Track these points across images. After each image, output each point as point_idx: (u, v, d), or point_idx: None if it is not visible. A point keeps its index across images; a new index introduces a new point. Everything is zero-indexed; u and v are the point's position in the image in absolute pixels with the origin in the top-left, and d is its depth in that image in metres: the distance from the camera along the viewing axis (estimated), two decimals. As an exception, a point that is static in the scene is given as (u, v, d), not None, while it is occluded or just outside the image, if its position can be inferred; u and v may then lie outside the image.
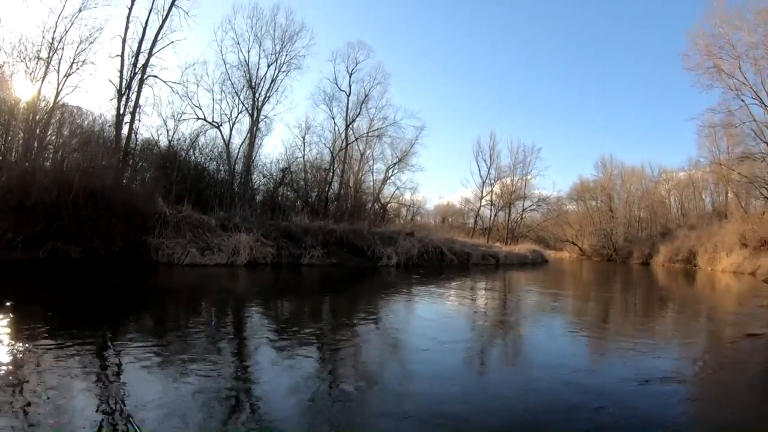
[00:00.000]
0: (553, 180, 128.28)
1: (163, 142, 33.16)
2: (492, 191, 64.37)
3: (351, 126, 41.94)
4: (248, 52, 35.70)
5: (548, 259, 52.38)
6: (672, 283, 31.05)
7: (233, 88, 35.30)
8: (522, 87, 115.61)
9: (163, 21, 30.09)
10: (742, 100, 28.61)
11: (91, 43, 28.20)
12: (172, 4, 30.13)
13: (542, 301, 18.01)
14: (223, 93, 35.25)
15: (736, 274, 39.19)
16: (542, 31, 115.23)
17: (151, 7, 29.86)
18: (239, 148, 35.48)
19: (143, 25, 29.62)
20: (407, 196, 51.65)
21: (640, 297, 22.32)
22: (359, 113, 42.26)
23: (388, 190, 48.38)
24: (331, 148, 40.90)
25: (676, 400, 6.01)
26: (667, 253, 56.29)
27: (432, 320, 11.68)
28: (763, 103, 28.09)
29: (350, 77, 41.96)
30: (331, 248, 27.54)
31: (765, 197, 34.92)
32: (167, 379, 5.78)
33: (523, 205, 67.95)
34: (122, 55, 29.07)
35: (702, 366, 8.22)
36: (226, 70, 35.30)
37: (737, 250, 45.39)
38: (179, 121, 33.44)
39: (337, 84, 41.84)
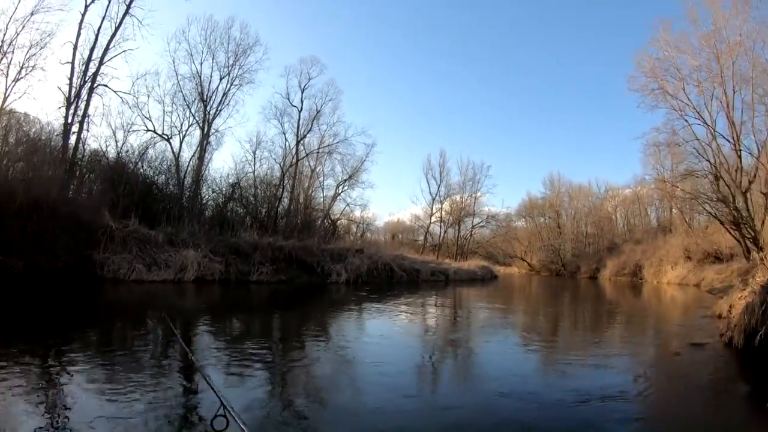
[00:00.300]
0: (502, 197, 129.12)
1: (112, 153, 32.49)
2: (442, 208, 64.92)
3: (302, 142, 42.08)
4: (201, 64, 35.41)
5: (497, 275, 53.01)
6: (619, 296, 31.81)
7: (184, 100, 34.85)
8: (472, 105, 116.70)
9: (116, 29, 29.71)
10: (686, 120, 29.42)
11: (41, 48, 27.91)
12: (126, 12, 29.74)
13: (492, 316, 18.33)
14: (174, 105, 34.76)
15: (681, 286, 40.36)
16: (491, 52, 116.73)
17: (105, 14, 29.46)
18: (189, 162, 34.99)
19: (95, 32, 29.18)
20: (357, 213, 51.68)
21: (589, 311, 22.90)
22: (310, 129, 42.40)
23: (338, 207, 48.41)
24: (282, 164, 40.75)
25: (621, 415, 6.20)
26: (614, 267, 57.85)
27: (382, 337, 11.82)
28: (706, 123, 28.90)
29: (302, 93, 42.11)
30: (280, 265, 27.45)
31: (707, 212, 35.92)
32: (112, 398, 5.75)
33: (473, 222, 68.53)
34: (73, 62, 28.61)
35: (648, 379, 8.52)
36: (178, 82, 34.90)
37: (682, 263, 46.88)
38: (128, 132, 32.85)
39: (289, 99, 41.89)
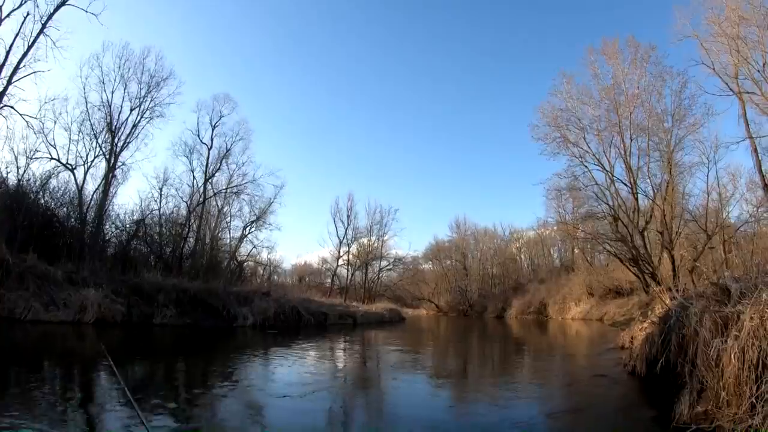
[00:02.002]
0: (409, 240, 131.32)
1: (12, 180, 30.54)
2: (349, 251, 64.65)
3: (210, 180, 40.87)
4: (112, 93, 33.98)
5: (405, 317, 52.91)
6: (526, 333, 32.47)
7: (92, 129, 33.20)
8: (380, 150, 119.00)
9: (29, 48, 27.73)
10: (586, 166, 30.74)
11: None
12: (41, 31, 27.89)
13: (401, 358, 18.24)
14: (80, 134, 33.03)
15: (585, 321, 41.70)
16: (398, 98, 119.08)
17: (19, 31, 27.43)
18: (92, 195, 33.10)
19: (6, 49, 27.02)
20: (264, 255, 50.48)
21: (497, 348, 23.23)
22: (219, 168, 41.23)
23: (245, 248, 47.24)
24: (189, 203, 39.40)
25: None
26: (519, 306, 59.55)
27: (291, 383, 11.44)
28: (605, 169, 30.24)
29: (213, 130, 41.03)
30: (185, 307, 26.37)
31: (608, 251, 37.21)
32: None
33: (380, 265, 68.69)
34: (-22, 79, 26.81)
35: (557, 409, 8.74)
36: (87, 110, 33.28)
37: (585, 299, 48.69)
38: (31, 159, 31.00)
39: (199, 136, 40.76)
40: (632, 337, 15.31)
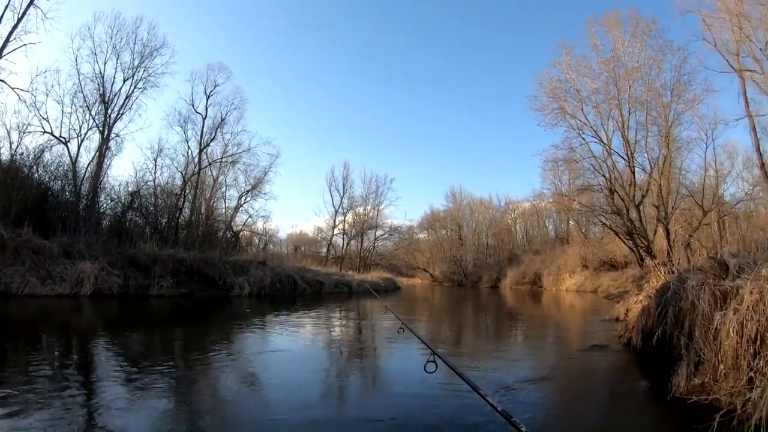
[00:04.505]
0: (405, 210, 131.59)
1: (5, 155, 30.10)
2: (345, 220, 64.99)
3: (205, 150, 40.58)
4: (104, 63, 33.44)
5: (400, 286, 53.22)
6: (520, 304, 32.71)
7: (85, 101, 32.68)
8: (376, 118, 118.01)
9: (19, 20, 27.39)
10: (583, 139, 30.85)
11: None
12: (30, 2, 27.60)
13: (396, 327, 18.29)
14: (73, 106, 32.47)
15: (579, 293, 41.96)
16: (395, 64, 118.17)
17: (8, 4, 27.14)
18: (87, 168, 32.80)
19: None
20: (260, 225, 50.63)
21: (491, 318, 23.37)
22: (214, 138, 40.91)
23: (240, 218, 47.18)
24: (183, 173, 39.07)
25: (529, 413, 6.30)
26: (514, 276, 59.83)
27: (288, 350, 11.49)
28: (602, 142, 30.34)
29: (207, 100, 40.65)
30: (181, 278, 26.53)
31: (603, 224, 37.43)
32: (8, 425, 5.39)
33: (375, 234, 68.90)
34: (-31, 54, 26.37)
35: (554, 378, 8.83)
36: (80, 81, 32.69)
37: (579, 271, 48.99)
38: (24, 133, 30.58)
39: (193, 106, 40.38)
40: (627, 310, 15.41)
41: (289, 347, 12.08)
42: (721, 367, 6.71)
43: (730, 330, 6.66)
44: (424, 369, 3.55)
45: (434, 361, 3.59)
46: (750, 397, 5.82)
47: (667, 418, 6.50)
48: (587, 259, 49.98)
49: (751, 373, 6.15)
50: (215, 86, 41.02)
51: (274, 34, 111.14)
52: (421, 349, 12.64)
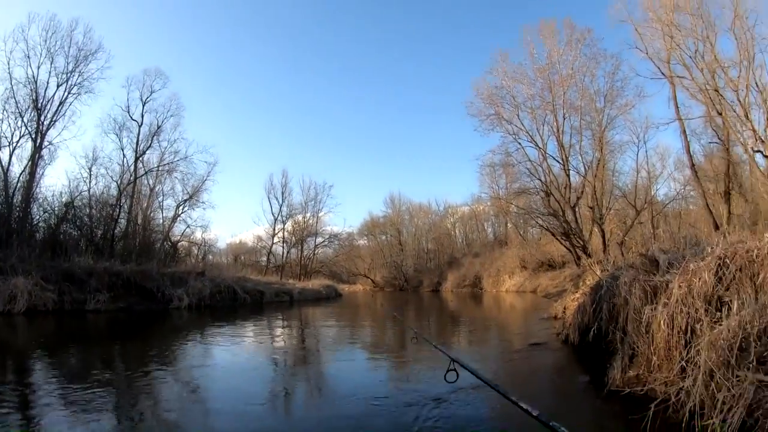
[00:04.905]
0: (345, 216, 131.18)
1: None
2: (284, 228, 64.51)
3: (141, 159, 39.49)
4: (38, 68, 32.32)
5: (342, 293, 53.01)
6: (462, 306, 33.08)
7: (17, 107, 31.46)
8: (316, 126, 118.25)
9: None
10: (519, 143, 31.57)
11: None
12: None
13: (340, 334, 18.32)
14: (5, 112, 31.32)
15: (519, 293, 42.82)
16: (331, 71, 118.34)
17: None
18: (19, 178, 31.54)
19: None
20: (198, 235, 49.14)
21: (434, 321, 23.53)
22: (150, 145, 39.79)
23: (178, 228, 45.88)
24: (119, 182, 37.88)
25: (471, 411, 6.44)
26: (454, 279, 60.73)
27: (231, 362, 11.40)
28: (538, 146, 31.13)
29: (143, 106, 39.53)
30: (118, 291, 25.81)
31: (540, 225, 38.20)
32: None
33: (316, 241, 68.53)
34: None
35: (495, 377, 8.88)
36: (12, 86, 31.52)
37: (518, 272, 50.15)
38: None
39: (129, 113, 39.14)
40: (565, 307, 15.76)
41: (232, 359, 11.92)
42: (654, 358, 6.97)
43: (661, 323, 6.93)
44: (445, 379, 3.67)
45: (454, 370, 3.68)
46: (683, 386, 6.04)
47: (604, 411, 6.72)
48: (526, 260, 51.04)
49: (683, 363, 6.40)
50: (152, 92, 40.05)
51: (211, 36, 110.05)
52: (368, 353, 12.74)
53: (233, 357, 12.36)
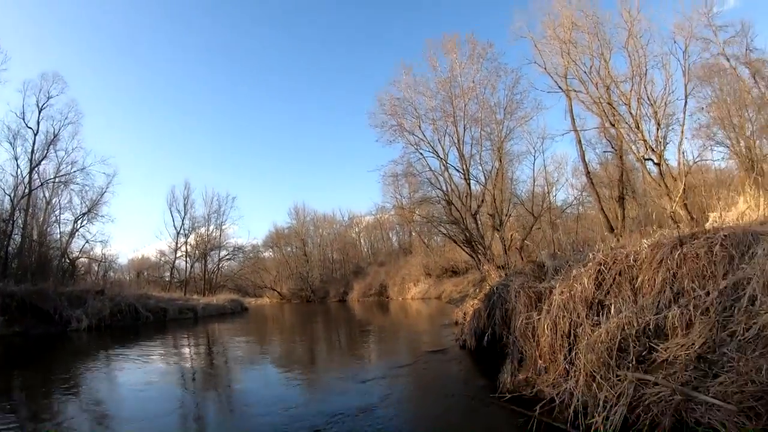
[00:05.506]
0: (249, 228, 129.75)
1: None
2: (187, 242, 62.55)
3: (36, 169, 36.72)
4: None
5: (248, 307, 52.32)
6: (368, 315, 33.36)
7: None
8: (218, 138, 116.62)
9: None
10: (421, 154, 32.01)
11: None
12: None
13: (248, 350, 18.13)
14: None
15: (424, 300, 43.53)
16: (235, 82, 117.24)
17: None
18: None
19: None
20: (98, 250, 46.16)
21: (342, 332, 23.65)
22: (46, 155, 37.02)
23: (77, 244, 42.91)
24: (12, 195, 35.27)
25: (379, 420, 6.65)
26: (360, 288, 61.21)
27: (138, 386, 11.10)
28: (439, 156, 31.66)
29: (40, 113, 36.86)
30: (12, 314, 24.48)
31: (443, 234, 38.99)
32: None
33: (220, 255, 67.24)
34: None
35: (398, 385, 9.27)
36: None
37: (423, 279, 51.01)
38: None
39: (24, 119, 36.41)
40: (464, 313, 16.23)
41: (139, 383, 11.56)
42: (541, 362, 7.34)
43: (545, 327, 7.31)
44: None
45: None
46: (566, 387, 6.39)
47: (496, 414, 7.01)
48: (430, 268, 52.10)
49: (566, 365, 6.76)
50: (49, 98, 37.51)
51: (110, 40, 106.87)
52: (280, 372, 12.74)
53: (140, 381, 11.97)
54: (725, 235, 7.07)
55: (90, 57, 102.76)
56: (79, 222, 41.96)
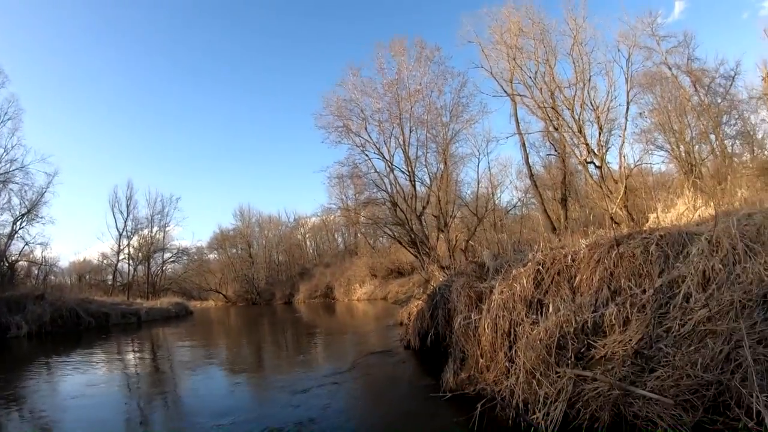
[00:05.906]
0: (193, 230, 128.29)
1: None
2: (129, 244, 61.03)
3: None
4: None
5: (192, 311, 51.51)
6: (315, 317, 33.49)
7: None
8: (161, 138, 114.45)
9: None
10: (367, 155, 32.19)
11: None
12: None
13: (193, 355, 17.88)
14: None
15: (370, 301, 43.83)
16: (181, 80, 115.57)
17: None
18: None
19: None
20: (38, 253, 44.56)
21: (288, 335, 23.56)
22: None
23: (15, 247, 41.20)
24: None
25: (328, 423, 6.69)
26: (306, 290, 61.48)
27: (80, 394, 10.84)
28: (385, 158, 31.87)
29: None
30: (-53, 321, 23.96)
31: (388, 235, 39.20)
32: None
33: (163, 257, 66.18)
34: None
35: (343, 387, 9.28)
36: None
37: (369, 280, 51.34)
38: None
39: None
40: (409, 314, 16.32)
41: (83, 391, 11.22)
42: (482, 360, 7.47)
43: (486, 327, 7.45)
44: None
45: None
46: (507, 384, 6.53)
47: (438, 413, 7.12)
48: (376, 269, 52.37)
49: (507, 363, 6.89)
50: None
51: (51, 34, 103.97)
52: (224, 374, 12.67)
53: (82, 388, 11.66)
54: (661, 235, 7.30)
55: (28, 53, 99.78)
56: (19, 223, 40.48)
